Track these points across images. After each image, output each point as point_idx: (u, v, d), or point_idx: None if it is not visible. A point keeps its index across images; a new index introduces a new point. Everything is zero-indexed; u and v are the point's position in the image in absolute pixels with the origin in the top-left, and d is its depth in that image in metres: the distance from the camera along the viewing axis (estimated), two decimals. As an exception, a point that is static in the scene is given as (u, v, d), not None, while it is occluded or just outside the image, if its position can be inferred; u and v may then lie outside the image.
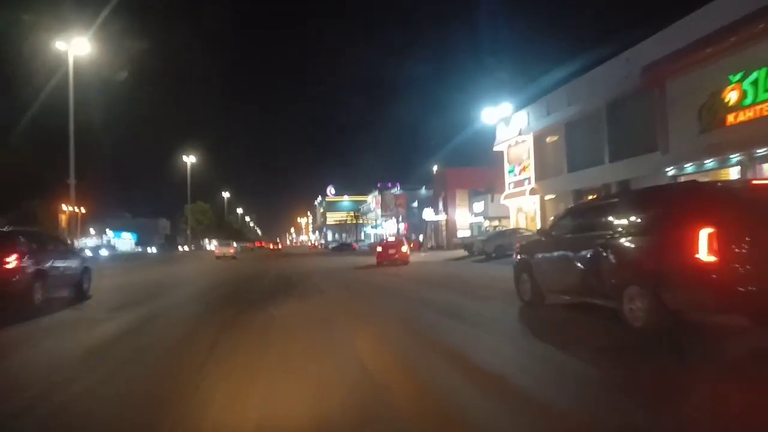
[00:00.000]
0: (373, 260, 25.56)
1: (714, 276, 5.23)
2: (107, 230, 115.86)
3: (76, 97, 25.41)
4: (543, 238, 8.76)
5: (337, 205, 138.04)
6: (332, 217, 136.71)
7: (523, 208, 31.52)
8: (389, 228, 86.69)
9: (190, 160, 70.85)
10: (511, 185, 32.12)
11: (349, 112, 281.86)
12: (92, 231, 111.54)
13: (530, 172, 29.66)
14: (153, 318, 9.18)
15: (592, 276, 6.85)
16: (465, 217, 46.08)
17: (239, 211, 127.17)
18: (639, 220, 6.41)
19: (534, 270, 8.41)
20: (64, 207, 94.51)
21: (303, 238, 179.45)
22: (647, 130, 20.08)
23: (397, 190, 69.00)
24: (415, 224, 70.62)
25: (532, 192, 29.18)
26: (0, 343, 7.18)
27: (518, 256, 9.23)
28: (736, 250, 5.27)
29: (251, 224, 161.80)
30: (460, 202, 46.30)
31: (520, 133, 29.69)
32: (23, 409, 4.14)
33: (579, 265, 7.13)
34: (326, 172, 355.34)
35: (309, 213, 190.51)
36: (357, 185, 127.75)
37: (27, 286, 9.65)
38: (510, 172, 32.29)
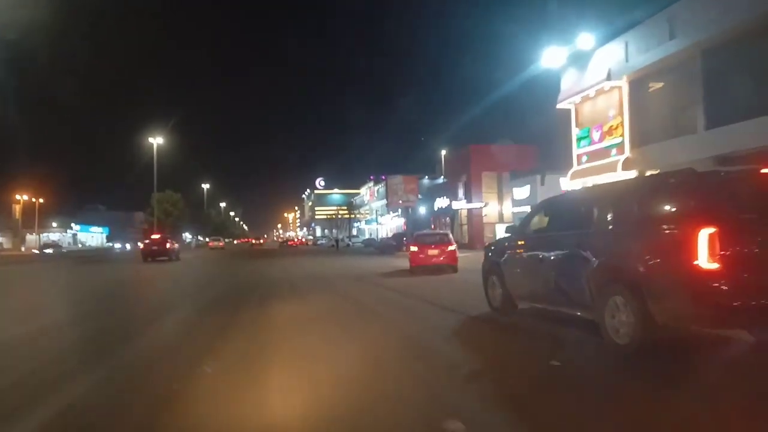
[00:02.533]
0: (381, 264, 20.06)
1: (716, 285, 4.37)
2: (72, 224, 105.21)
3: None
4: (514, 236, 7.81)
5: (326, 199, 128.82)
6: (322, 212, 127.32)
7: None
8: (387, 222, 76.89)
9: (156, 141, 61.32)
10: (584, 158, 22.40)
11: (340, 97, 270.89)
12: (54, 224, 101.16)
13: (622, 136, 19.99)
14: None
15: (568, 282, 6.03)
16: (493, 207, 36.38)
17: (222, 204, 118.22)
18: (625, 217, 5.50)
19: (504, 273, 7.53)
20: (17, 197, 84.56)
21: (290, 234, 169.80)
22: None
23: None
24: (417, 219, 60.87)
25: (627, 165, 19.49)
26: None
27: (486, 257, 8.39)
28: (744, 254, 4.48)
29: (236, 219, 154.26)
30: (488, 188, 36.51)
31: (608, 77, 19.93)
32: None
33: (553, 268, 6.33)
34: (315, 164, 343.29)
35: (297, 208, 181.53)
36: (348, 177, 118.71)
37: (171, 253, 31.12)
38: (581, 139, 22.56)
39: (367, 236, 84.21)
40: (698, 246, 4.34)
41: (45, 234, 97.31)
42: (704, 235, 4.34)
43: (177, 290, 14.84)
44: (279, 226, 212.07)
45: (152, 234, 35.24)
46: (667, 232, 4.81)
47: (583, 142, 22.50)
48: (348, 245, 67.40)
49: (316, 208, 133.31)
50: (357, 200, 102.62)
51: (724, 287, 4.33)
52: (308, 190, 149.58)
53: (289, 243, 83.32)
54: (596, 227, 5.81)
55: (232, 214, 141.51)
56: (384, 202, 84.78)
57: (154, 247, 30.88)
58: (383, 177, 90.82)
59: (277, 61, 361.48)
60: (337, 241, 64.08)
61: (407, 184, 46.46)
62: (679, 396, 3.98)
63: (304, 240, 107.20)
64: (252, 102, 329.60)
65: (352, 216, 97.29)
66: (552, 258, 6.36)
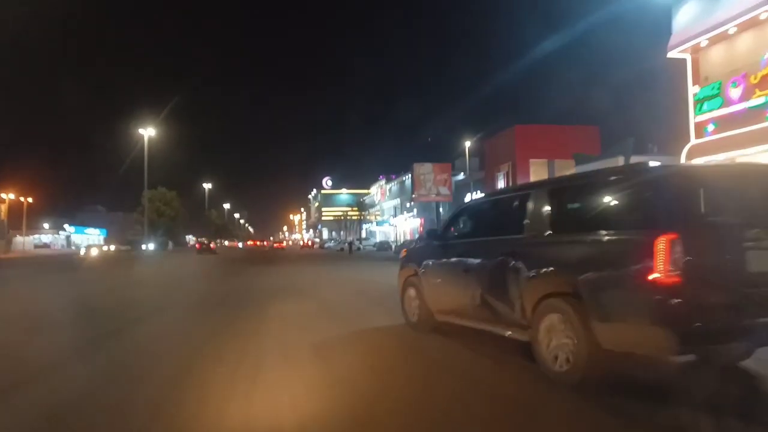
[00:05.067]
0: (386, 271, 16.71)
1: (677, 303, 3.53)
2: (66, 225, 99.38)
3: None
4: (434, 242, 6.82)
5: (334, 199, 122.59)
6: (329, 213, 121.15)
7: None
8: (401, 224, 70.35)
9: (147, 133, 55.05)
10: (709, 126, 15.79)
11: (349, 93, 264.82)
12: (46, 225, 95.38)
13: (789, 88, 13.38)
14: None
15: (495, 296, 5.17)
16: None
17: (226, 206, 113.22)
18: (564, 221, 4.71)
19: (423, 284, 6.69)
20: (3, 196, 78.45)
21: (296, 236, 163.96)
22: None
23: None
24: (434, 220, 54.24)
25: (799, 130, 12.89)
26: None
27: (403, 266, 7.49)
28: (710, 265, 3.69)
29: (242, 221, 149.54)
30: (537, 178, 29.91)
31: (770, -1, 13.36)
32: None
33: (480, 280, 5.42)
34: (322, 163, 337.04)
35: (303, 209, 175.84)
36: (357, 177, 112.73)
37: (214, 250, 52.15)
38: (706, 99, 15.93)
39: (378, 238, 77.80)
40: (656, 256, 3.58)
41: (36, 236, 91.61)
42: (663, 242, 3.59)
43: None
44: (285, 228, 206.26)
45: (204, 240, 59.12)
46: (617, 238, 4.01)
47: (707, 105, 15.87)
48: (359, 248, 60.87)
49: (323, 209, 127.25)
50: (367, 200, 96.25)
51: (687, 306, 3.55)
52: (314, 191, 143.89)
53: (275, 246, 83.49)
54: (530, 231, 4.88)
55: (237, 216, 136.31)
56: (397, 201, 78.31)
57: (204, 246, 51.41)
58: (393, 176, 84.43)
59: (281, 58, 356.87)
60: (350, 244, 57.34)
61: (438, 174, 39.21)
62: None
63: (310, 242, 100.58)
64: (256, 101, 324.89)
65: (362, 217, 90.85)
66: (478, 268, 5.50)
